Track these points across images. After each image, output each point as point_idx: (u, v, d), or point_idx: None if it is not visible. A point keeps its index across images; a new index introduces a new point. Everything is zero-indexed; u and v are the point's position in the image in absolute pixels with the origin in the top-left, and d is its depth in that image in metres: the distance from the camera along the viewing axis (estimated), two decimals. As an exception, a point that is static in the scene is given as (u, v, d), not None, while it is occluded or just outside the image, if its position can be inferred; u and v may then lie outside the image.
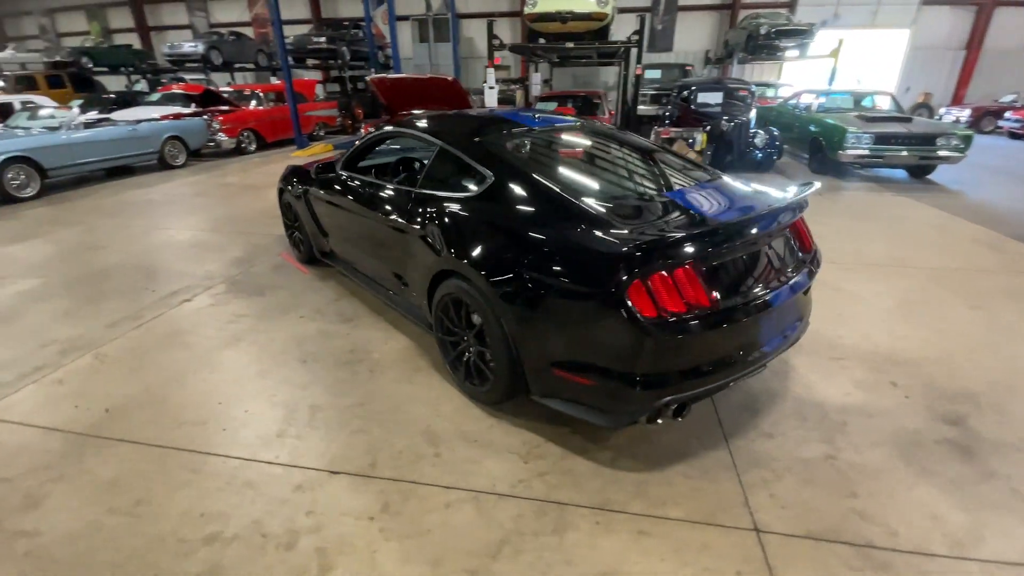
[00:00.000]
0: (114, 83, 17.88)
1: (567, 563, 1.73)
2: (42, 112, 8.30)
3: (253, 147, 11.41)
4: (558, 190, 2.24)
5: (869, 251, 4.72)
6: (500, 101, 13.75)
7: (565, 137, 3.04)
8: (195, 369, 2.93)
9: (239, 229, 5.62)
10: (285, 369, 2.91)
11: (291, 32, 16.11)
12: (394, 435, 2.36)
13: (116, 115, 9.58)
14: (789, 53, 12.61)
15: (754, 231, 2.03)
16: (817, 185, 2.55)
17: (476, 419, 2.46)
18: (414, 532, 1.86)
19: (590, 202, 2.18)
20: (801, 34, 12.20)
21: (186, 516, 1.95)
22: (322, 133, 13.81)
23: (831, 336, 3.19)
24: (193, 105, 11.11)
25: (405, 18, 17.34)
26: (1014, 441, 2.29)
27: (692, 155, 7.40)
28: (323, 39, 14.32)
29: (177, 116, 10.07)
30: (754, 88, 9.54)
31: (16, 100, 8.90)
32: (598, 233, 1.98)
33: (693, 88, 9.23)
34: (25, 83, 12.47)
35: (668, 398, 1.91)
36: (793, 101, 9.94)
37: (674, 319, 1.82)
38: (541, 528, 1.87)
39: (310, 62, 15.40)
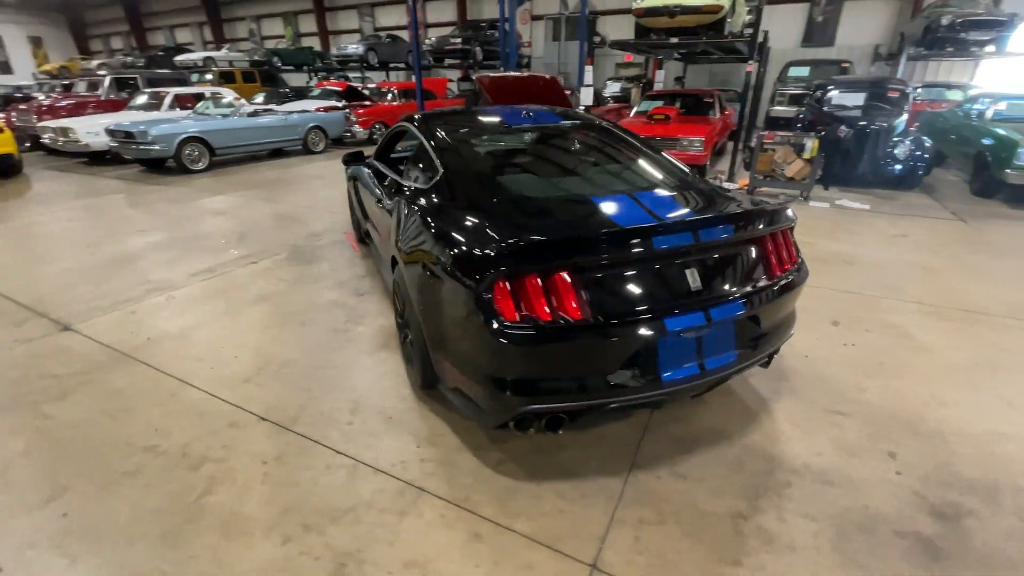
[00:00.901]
0: (296, 79, 21.13)
1: (389, 543, 1.78)
2: (223, 101, 10.25)
3: (382, 137, 12.70)
4: (477, 188, 2.26)
5: (978, 295, 3.75)
6: (616, 99, 13.42)
7: (534, 137, 3.02)
8: (222, 317, 3.50)
9: (331, 208, 6.39)
10: (285, 328, 3.33)
11: (438, 35, 17.51)
12: (327, 398, 2.60)
13: (283, 106, 11.42)
14: (979, 48, 10.12)
15: (660, 245, 1.83)
16: (794, 201, 2.17)
17: (403, 399, 2.58)
18: (286, 482, 2.06)
19: (502, 201, 2.17)
20: (997, 25, 9.70)
21: (145, 427, 2.40)
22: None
23: (849, 385, 2.66)
24: (342, 100, 12.77)
25: (540, 17, 17.74)
26: (1013, 559, 1.73)
27: (795, 167, 6.50)
28: (459, 40, 15.30)
29: (327, 109, 11.69)
30: (912, 89, 7.99)
31: (207, 90, 11.13)
32: (490, 231, 1.95)
33: (828, 88, 8.06)
34: (225, 77, 15.52)
35: (532, 407, 1.83)
36: (968, 106, 8.10)
37: (537, 326, 1.74)
38: (390, 507, 1.94)
39: (447, 62, 16.56)
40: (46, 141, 9.80)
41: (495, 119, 3.03)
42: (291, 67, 20.27)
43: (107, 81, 12.06)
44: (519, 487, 2.03)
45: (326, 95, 13.41)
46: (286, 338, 3.20)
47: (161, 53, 22.29)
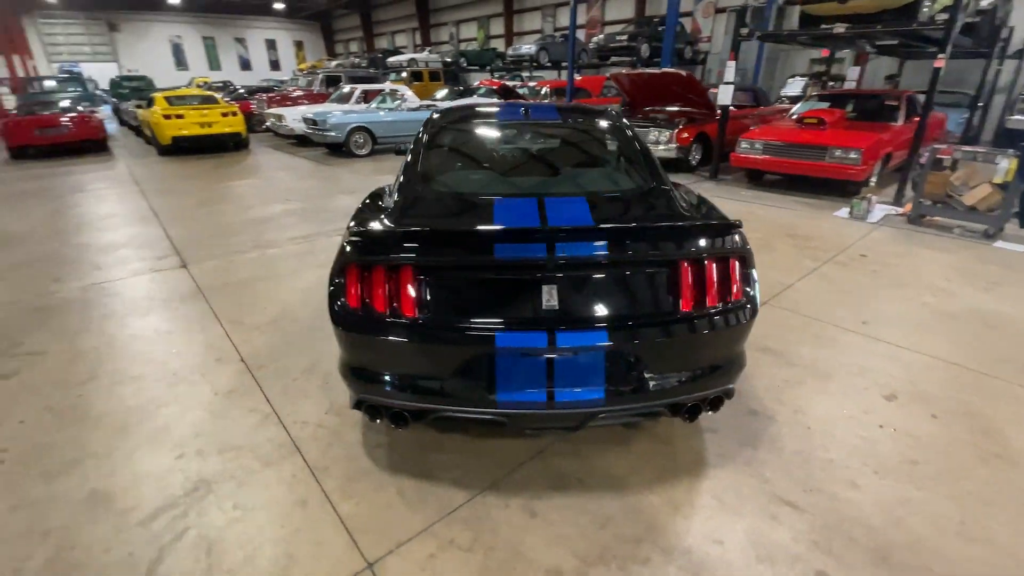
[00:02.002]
0: (479, 79, 23.01)
1: (238, 484, 2.00)
2: (395, 96, 11.77)
3: (529, 133, 13.16)
4: (417, 179, 2.31)
5: None
6: (794, 100, 11.61)
7: (512, 134, 2.90)
8: (284, 275, 4.15)
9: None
10: (318, 291, 3.81)
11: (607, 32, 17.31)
12: (298, 355, 2.94)
13: (448, 103, 12.65)
14: None
15: (503, 254, 1.67)
16: (735, 225, 1.74)
17: (349, 370, 2.79)
18: (216, 414, 2.43)
19: (423, 194, 2.19)
20: None
21: (166, 348, 3.04)
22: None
23: (838, 479, 2.03)
24: (498, 97, 13.58)
25: (723, 10, 16.20)
26: None
27: (979, 193, 4.88)
28: (625, 36, 14.88)
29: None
30: None
31: (387, 87, 12.87)
32: (377, 221, 2.01)
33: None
34: (415, 76, 17.69)
35: (365, 397, 1.85)
36: None
37: (370, 317, 1.75)
38: (263, 455, 2.15)
39: (613, 59, 16.26)
40: (269, 125, 12.49)
41: (491, 116, 2.99)
42: (476, 67, 22.13)
43: (319, 78, 14.78)
44: (373, 473, 2.06)
45: (488, 93, 14.42)
46: (310, 299, 3.68)
47: (380, 55, 26.38)
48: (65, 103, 11.72)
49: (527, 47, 18.31)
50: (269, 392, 2.60)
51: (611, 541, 1.75)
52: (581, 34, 20.55)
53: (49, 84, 15.80)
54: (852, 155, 6.16)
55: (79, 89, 15.65)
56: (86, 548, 1.74)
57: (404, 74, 17.66)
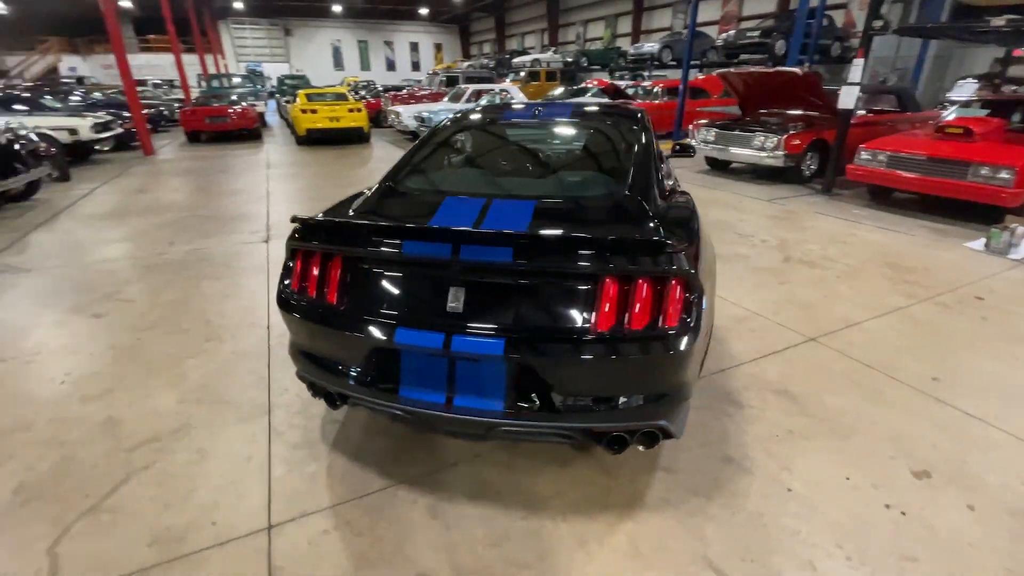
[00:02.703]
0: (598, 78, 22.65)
1: (210, 431, 2.27)
2: (504, 95, 12.13)
3: (634, 135, 12.69)
4: (398, 173, 2.39)
5: None
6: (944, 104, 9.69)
7: (514, 134, 2.86)
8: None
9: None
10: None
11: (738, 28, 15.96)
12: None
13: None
14: None
15: (410, 251, 1.67)
16: (666, 245, 1.55)
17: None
18: (224, 372, 2.77)
19: (394, 188, 2.28)
20: None
21: (191, 315, 3.51)
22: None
23: (798, 552, 1.71)
24: (606, 96, 13.29)
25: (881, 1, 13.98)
26: None
27: None
28: (757, 32, 13.55)
29: (586, 104, 12.48)
30: None
31: (497, 87, 13.27)
32: (340, 211, 2.12)
33: None
34: (531, 76, 17.97)
35: (302, 373, 1.98)
36: None
37: (300, 299, 1.87)
38: (241, 412, 2.41)
39: (743, 57, 14.91)
40: (391, 121, 13.61)
41: (501, 117, 2.96)
42: (597, 66, 21.83)
43: (437, 79, 15.71)
44: (316, 445, 2.20)
45: (599, 93, 14.20)
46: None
47: (508, 56, 27.26)
48: (233, 97, 13.94)
49: (649, 46, 17.64)
50: (274, 359, 2.89)
51: (496, 560, 1.67)
52: (713, 31, 19.22)
53: (235, 80, 18.80)
54: (1003, 174, 5.00)
55: (250, 85, 18.45)
56: (80, 461, 2.11)
57: (521, 74, 18.05)
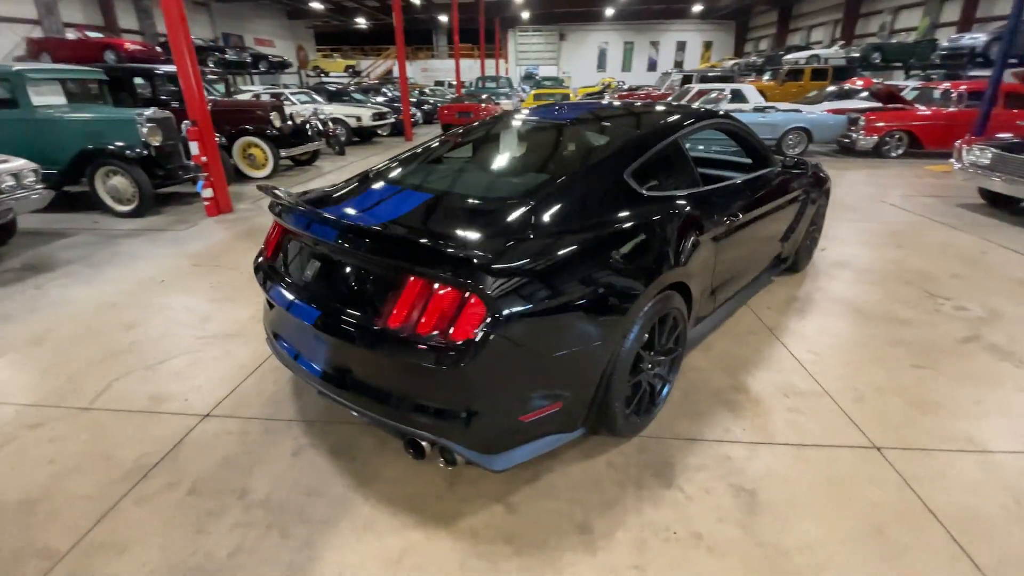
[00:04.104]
0: (899, 77, 17.95)
1: (207, 377, 3.02)
2: (721, 96, 11.00)
3: (899, 152, 9.93)
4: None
5: None
6: None
7: (525, 131, 2.81)
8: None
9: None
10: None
11: None
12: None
13: (813, 106, 10.94)
14: None
15: (293, 224, 1.94)
16: (465, 260, 1.47)
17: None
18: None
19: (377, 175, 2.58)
20: None
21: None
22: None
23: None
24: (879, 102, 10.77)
25: None
26: None
27: None
28: None
29: (837, 111, 10.36)
30: None
31: (727, 87, 11.86)
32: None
33: None
34: (792, 75, 15.35)
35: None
36: None
37: (262, 257, 2.35)
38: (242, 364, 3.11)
39: None
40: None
41: (530, 112, 2.90)
42: (897, 63, 17.44)
43: (669, 79, 14.99)
44: (281, 370, 2.71)
45: (869, 97, 11.56)
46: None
47: (782, 52, 23.96)
48: (484, 96, 16.17)
49: (971, 37, 13.27)
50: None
51: (294, 504, 1.87)
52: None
53: (494, 83, 21.66)
54: None
55: (506, 87, 20.87)
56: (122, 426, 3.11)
57: (767, 74, 15.79)
